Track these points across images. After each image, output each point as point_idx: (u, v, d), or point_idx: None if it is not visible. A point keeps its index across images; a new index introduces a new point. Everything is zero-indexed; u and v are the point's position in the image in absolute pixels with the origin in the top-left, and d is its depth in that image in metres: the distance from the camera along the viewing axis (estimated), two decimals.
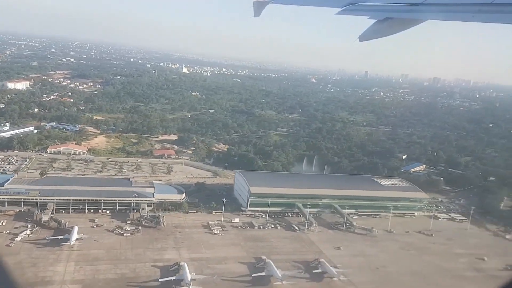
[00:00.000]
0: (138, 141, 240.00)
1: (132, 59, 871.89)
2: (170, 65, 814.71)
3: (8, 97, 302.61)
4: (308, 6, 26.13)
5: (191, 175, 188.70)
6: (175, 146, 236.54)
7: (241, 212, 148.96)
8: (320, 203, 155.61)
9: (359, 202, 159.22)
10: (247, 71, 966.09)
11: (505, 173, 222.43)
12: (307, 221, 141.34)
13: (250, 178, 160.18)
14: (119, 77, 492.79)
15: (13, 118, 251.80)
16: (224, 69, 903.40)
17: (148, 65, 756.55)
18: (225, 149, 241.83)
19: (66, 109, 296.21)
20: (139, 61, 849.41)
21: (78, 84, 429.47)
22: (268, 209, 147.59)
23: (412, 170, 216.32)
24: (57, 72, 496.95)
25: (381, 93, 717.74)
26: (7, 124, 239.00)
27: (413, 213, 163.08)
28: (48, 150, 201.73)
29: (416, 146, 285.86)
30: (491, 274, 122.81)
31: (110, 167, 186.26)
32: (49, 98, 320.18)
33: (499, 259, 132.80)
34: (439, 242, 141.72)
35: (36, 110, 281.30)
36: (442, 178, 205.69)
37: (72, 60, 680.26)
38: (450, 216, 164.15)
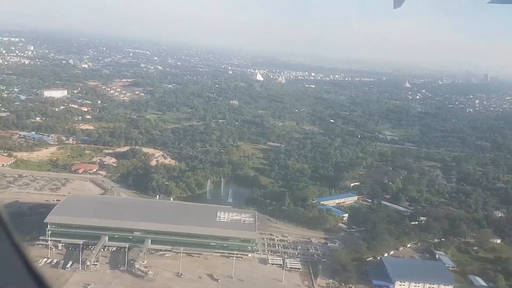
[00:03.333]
0: (90, 152, 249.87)
1: (223, 66, 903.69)
2: (256, 71, 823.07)
3: (16, 105, 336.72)
4: None
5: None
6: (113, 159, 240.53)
7: (37, 243, 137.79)
8: (131, 237, 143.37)
9: (178, 238, 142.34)
10: (342, 75, 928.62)
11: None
12: (81, 257, 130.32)
13: (66, 203, 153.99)
14: (170, 86, 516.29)
15: None
16: (313, 74, 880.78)
17: (230, 72, 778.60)
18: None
19: (71, 118, 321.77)
20: (229, 67, 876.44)
21: (125, 92, 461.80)
22: (67, 240, 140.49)
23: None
24: (122, 80, 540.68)
25: (476, 101, 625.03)
26: None
27: (245, 255, 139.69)
28: None
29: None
30: None
31: (2, 182, 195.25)
32: (61, 107, 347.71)
33: None
34: None
35: (37, 119, 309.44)
36: None
37: (159, 67, 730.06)
38: (285, 262, 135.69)
